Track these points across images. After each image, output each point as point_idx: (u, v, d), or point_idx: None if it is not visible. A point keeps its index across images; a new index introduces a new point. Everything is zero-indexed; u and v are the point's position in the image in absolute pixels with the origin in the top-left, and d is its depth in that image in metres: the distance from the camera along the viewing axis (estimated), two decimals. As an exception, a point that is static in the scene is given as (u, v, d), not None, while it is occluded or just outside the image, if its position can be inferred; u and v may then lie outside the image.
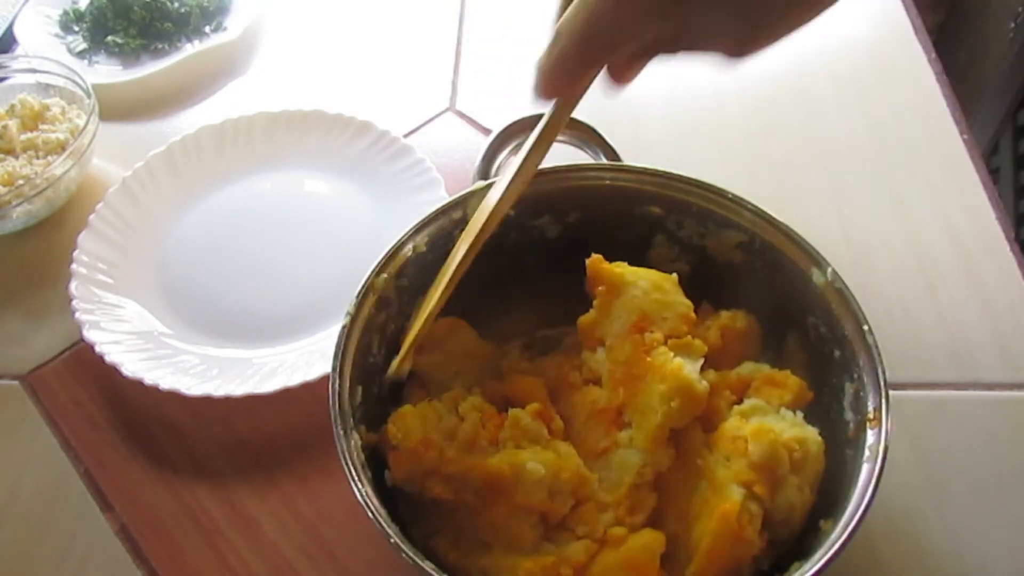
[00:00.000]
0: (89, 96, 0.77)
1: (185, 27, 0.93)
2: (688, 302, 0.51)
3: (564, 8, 0.43)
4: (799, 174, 0.75)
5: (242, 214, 0.75)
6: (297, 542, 0.56)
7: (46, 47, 0.91)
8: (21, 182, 0.72)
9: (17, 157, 0.76)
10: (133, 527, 0.58)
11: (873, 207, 0.72)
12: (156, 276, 0.71)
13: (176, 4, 0.94)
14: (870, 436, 0.44)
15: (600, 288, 0.52)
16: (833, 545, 0.40)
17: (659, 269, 0.53)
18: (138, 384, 0.61)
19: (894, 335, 0.63)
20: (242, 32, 0.91)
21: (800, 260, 0.51)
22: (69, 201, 0.78)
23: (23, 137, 0.77)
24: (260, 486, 0.59)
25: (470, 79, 0.87)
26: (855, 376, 0.47)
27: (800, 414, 0.49)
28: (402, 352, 0.51)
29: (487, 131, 0.80)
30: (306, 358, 0.63)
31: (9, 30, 0.92)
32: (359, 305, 0.50)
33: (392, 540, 0.41)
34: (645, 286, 0.51)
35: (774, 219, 0.52)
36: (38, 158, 0.76)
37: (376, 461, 0.49)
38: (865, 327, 0.47)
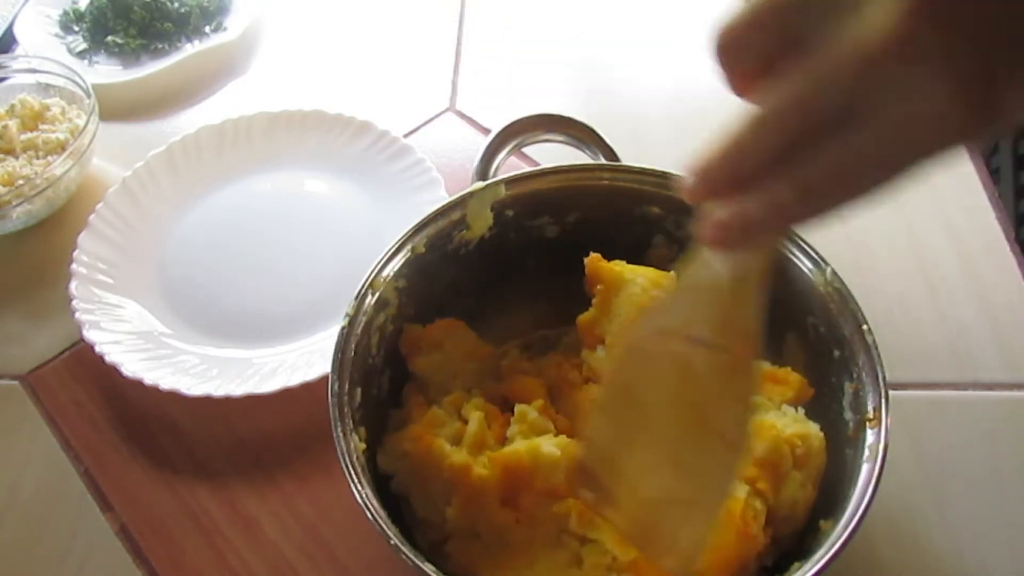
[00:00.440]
0: (89, 96, 0.77)
1: (185, 27, 0.93)
2: None
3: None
4: (799, 174, 0.75)
5: (242, 214, 0.75)
6: (297, 542, 0.56)
7: (46, 47, 0.91)
8: (21, 182, 0.72)
9: (17, 157, 0.76)
10: (133, 527, 0.58)
11: (873, 207, 0.71)
12: (156, 276, 0.71)
13: (176, 4, 0.93)
14: (870, 436, 0.44)
15: (599, 287, 0.52)
16: (833, 545, 0.40)
17: (658, 269, 0.53)
18: (138, 384, 0.61)
19: (894, 335, 0.63)
20: (242, 32, 0.91)
21: (799, 260, 0.51)
22: (69, 201, 0.78)
23: (23, 137, 0.77)
24: (260, 486, 0.59)
25: (470, 79, 0.87)
26: (854, 376, 0.47)
27: (801, 410, 0.49)
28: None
29: (487, 131, 0.80)
30: (306, 358, 0.63)
31: (9, 30, 0.92)
32: (358, 306, 0.50)
33: (392, 542, 0.41)
34: (644, 283, 0.51)
35: None
36: (38, 158, 0.76)
37: (376, 463, 0.49)
38: (864, 327, 0.47)
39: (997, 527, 0.54)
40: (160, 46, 0.91)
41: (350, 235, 0.72)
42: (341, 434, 0.45)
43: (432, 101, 0.85)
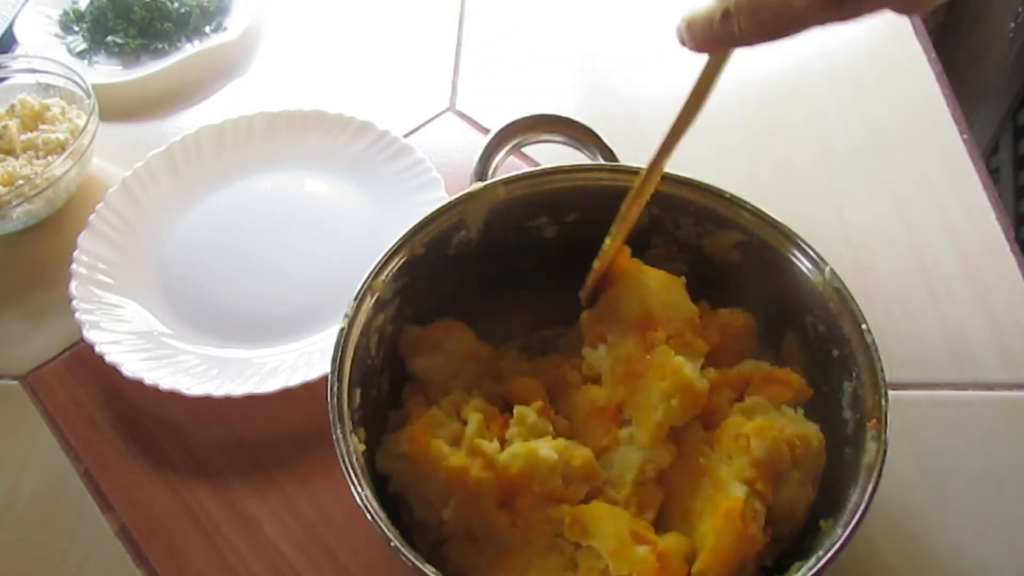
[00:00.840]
0: (89, 96, 0.77)
1: (185, 27, 0.93)
2: (694, 307, 0.52)
3: None
4: (799, 174, 0.75)
5: (242, 214, 0.75)
6: (297, 542, 0.56)
7: (46, 47, 0.91)
8: (21, 182, 0.72)
9: (17, 157, 0.76)
10: (133, 527, 0.58)
11: (873, 207, 0.72)
12: (156, 276, 0.71)
13: (176, 4, 0.94)
14: (869, 435, 0.44)
15: (608, 283, 0.52)
16: (833, 545, 0.40)
17: (657, 269, 0.53)
18: (138, 384, 0.61)
19: (894, 335, 0.63)
20: (242, 32, 0.91)
21: (798, 259, 0.51)
22: (69, 201, 0.78)
23: (23, 137, 0.77)
24: (260, 486, 0.59)
25: (470, 79, 0.87)
26: (854, 375, 0.47)
27: (801, 411, 0.49)
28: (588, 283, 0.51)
29: (487, 131, 0.80)
30: (306, 358, 0.63)
31: (9, 30, 0.92)
32: (357, 307, 0.50)
33: (392, 543, 0.41)
34: (654, 286, 0.51)
35: (772, 219, 0.52)
36: (38, 158, 0.76)
37: (376, 465, 0.49)
38: (863, 326, 0.47)
39: (997, 527, 0.54)
40: (160, 46, 0.91)
41: (350, 235, 0.72)
42: (340, 435, 0.45)
43: (432, 101, 0.85)
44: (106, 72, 0.90)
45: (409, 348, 0.54)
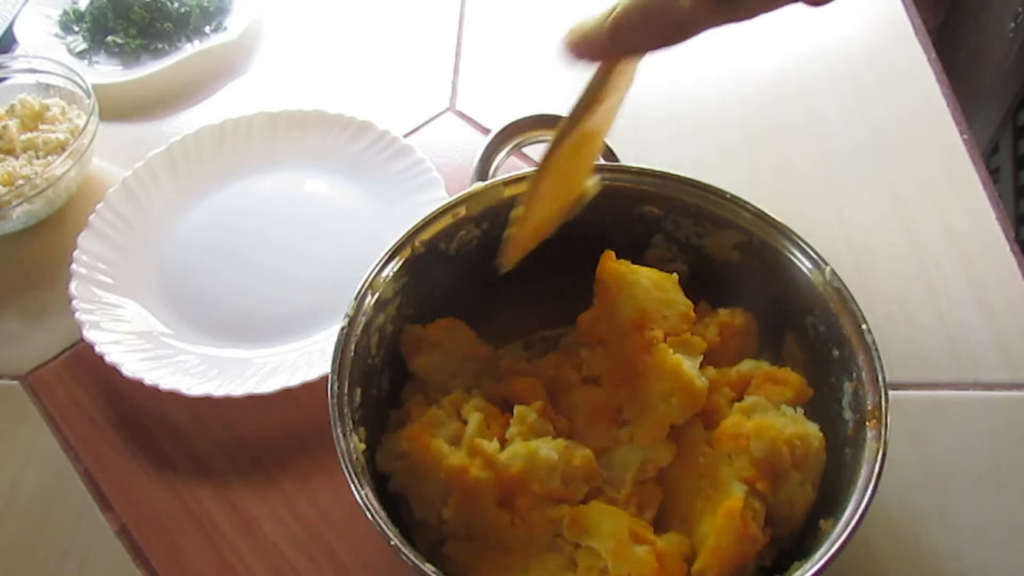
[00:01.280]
0: (89, 96, 0.77)
1: (185, 27, 0.93)
2: (688, 302, 0.51)
3: None
4: (799, 174, 0.75)
5: (242, 214, 0.75)
6: (297, 542, 0.56)
7: (46, 47, 0.91)
8: (21, 182, 0.72)
9: (17, 157, 0.76)
10: (133, 527, 0.58)
11: (873, 207, 0.72)
12: (156, 276, 0.71)
13: (176, 4, 0.94)
14: (870, 435, 0.44)
15: (602, 285, 0.52)
16: (834, 544, 0.40)
17: (657, 269, 0.53)
18: (138, 384, 0.61)
19: (894, 335, 0.63)
20: (242, 32, 0.91)
21: (798, 259, 0.51)
22: (69, 201, 0.78)
23: (23, 137, 0.77)
24: (260, 486, 0.59)
25: (470, 79, 0.87)
26: (854, 375, 0.47)
27: (801, 410, 0.49)
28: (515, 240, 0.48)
29: (487, 131, 0.80)
30: (306, 358, 0.63)
31: (9, 30, 0.92)
32: (357, 307, 0.50)
33: (393, 543, 0.41)
34: (647, 284, 0.51)
35: (772, 219, 0.52)
36: (38, 158, 0.76)
37: (376, 464, 0.49)
38: (863, 326, 0.47)
39: (997, 527, 0.54)
40: (160, 46, 0.91)
41: (350, 235, 0.72)
42: (341, 434, 0.45)
43: (432, 101, 0.85)
44: (106, 72, 0.90)
45: (410, 347, 0.54)
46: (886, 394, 0.45)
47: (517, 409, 0.50)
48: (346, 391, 0.47)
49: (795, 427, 0.47)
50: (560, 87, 0.86)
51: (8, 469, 0.61)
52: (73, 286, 0.66)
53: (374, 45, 0.93)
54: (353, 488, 0.43)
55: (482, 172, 0.59)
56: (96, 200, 0.74)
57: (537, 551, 0.47)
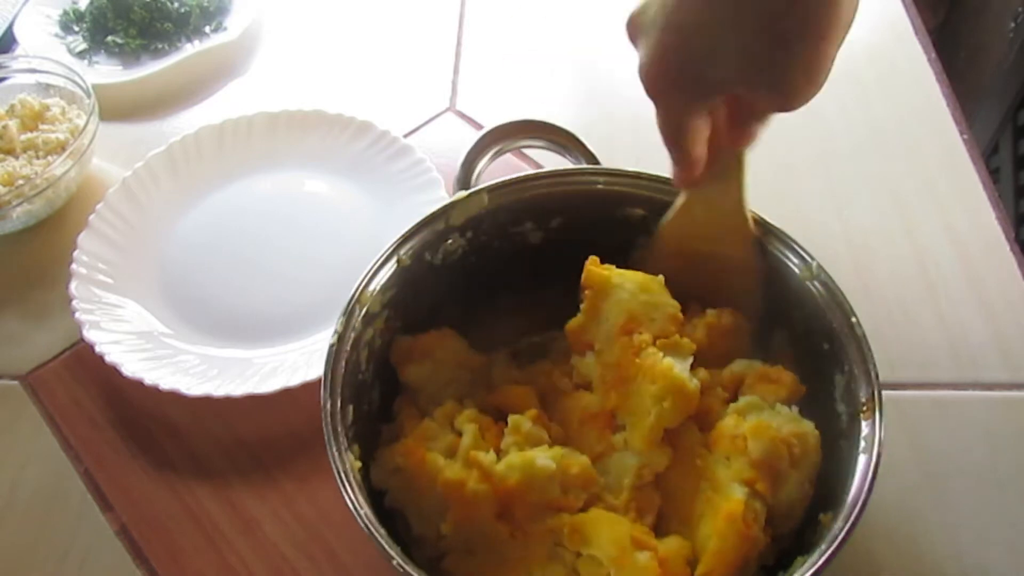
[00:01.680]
0: (89, 96, 0.77)
1: (185, 27, 0.93)
2: (675, 303, 0.51)
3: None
4: (799, 174, 0.75)
5: (242, 214, 0.75)
6: (297, 542, 0.56)
7: (46, 47, 0.91)
8: (21, 182, 0.72)
9: (17, 157, 0.76)
10: (133, 527, 0.58)
11: (873, 207, 0.71)
12: (156, 276, 0.71)
13: (176, 4, 0.94)
14: (864, 427, 0.44)
15: (587, 292, 0.52)
16: (835, 539, 0.40)
17: (643, 271, 0.52)
18: (138, 384, 0.61)
19: (894, 335, 0.63)
20: (242, 32, 0.91)
21: (784, 255, 0.50)
22: (69, 201, 0.78)
23: (23, 137, 0.77)
24: (260, 486, 0.59)
25: (470, 79, 0.87)
26: (845, 368, 0.46)
27: (795, 408, 0.49)
28: None
29: (487, 131, 0.80)
30: (306, 358, 0.63)
31: (9, 30, 0.92)
32: (346, 322, 0.49)
33: (395, 562, 0.40)
34: (632, 288, 0.51)
35: (756, 215, 0.52)
36: (38, 158, 0.76)
37: (371, 480, 0.49)
38: (853, 319, 0.47)
39: (997, 527, 0.54)
40: (160, 46, 0.91)
41: (350, 235, 0.72)
42: (336, 453, 0.44)
43: (432, 101, 0.85)
44: (106, 72, 0.90)
45: (400, 357, 0.53)
46: (879, 386, 0.44)
47: (512, 418, 0.49)
48: (339, 409, 0.46)
49: (792, 426, 0.47)
50: (560, 87, 0.86)
51: (8, 469, 0.61)
52: (73, 286, 0.66)
53: (374, 45, 0.93)
54: (352, 508, 0.42)
55: (464, 178, 0.58)
56: (96, 200, 0.74)
57: (538, 562, 0.46)
